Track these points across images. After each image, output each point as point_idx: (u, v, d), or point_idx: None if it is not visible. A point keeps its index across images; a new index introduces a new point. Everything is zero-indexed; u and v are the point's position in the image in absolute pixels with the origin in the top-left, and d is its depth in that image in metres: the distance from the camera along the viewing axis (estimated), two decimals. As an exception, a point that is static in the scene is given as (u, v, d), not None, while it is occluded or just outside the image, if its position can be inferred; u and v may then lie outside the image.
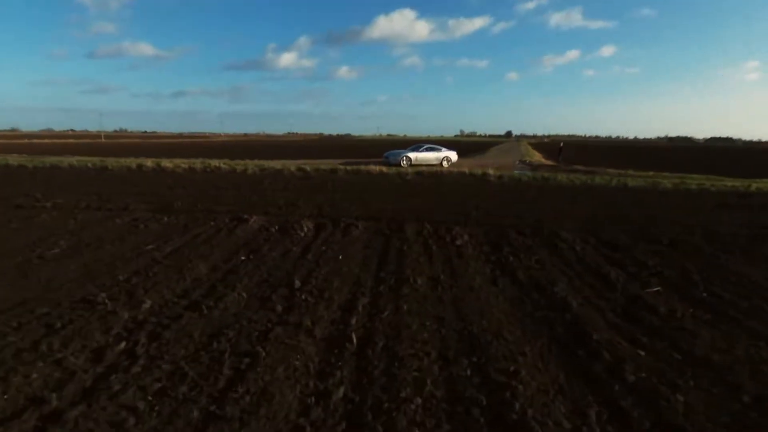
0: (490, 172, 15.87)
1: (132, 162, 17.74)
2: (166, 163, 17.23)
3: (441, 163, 20.39)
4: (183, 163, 17.58)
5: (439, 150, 20.85)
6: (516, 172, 18.29)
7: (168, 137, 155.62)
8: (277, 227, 8.41)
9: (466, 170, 16.19)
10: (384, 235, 8.07)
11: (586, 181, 14.84)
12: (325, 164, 19.59)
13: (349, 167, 17.12)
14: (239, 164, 17.48)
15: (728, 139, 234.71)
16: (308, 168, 16.76)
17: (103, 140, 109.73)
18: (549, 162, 24.98)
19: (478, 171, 16.43)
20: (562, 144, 25.40)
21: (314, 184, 13.94)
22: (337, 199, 11.31)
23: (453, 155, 21.02)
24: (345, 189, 12.93)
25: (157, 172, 16.38)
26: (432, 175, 16.24)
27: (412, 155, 20.04)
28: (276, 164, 18.29)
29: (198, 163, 17.75)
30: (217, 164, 17.12)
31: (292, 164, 18.93)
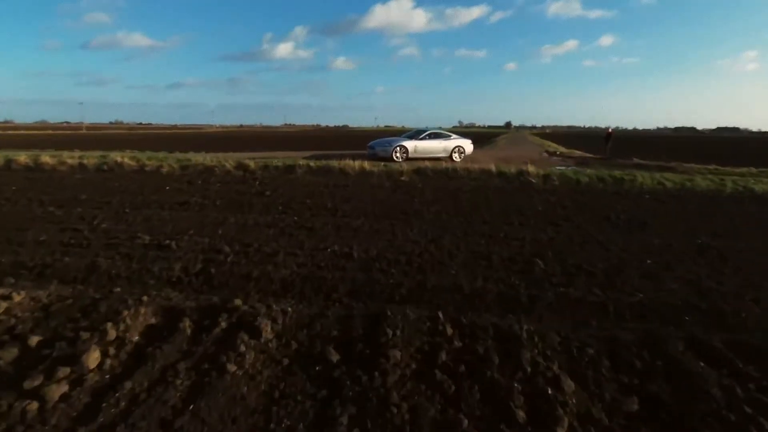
0: (530, 169, 10.42)
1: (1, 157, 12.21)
2: (47, 158, 11.72)
3: (451, 156, 14.58)
4: (72, 158, 12.08)
5: (447, 137, 14.84)
6: (559, 168, 12.85)
7: (158, 129, 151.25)
8: None
9: (492, 167, 10.76)
10: (320, 379, 2.66)
11: (684, 185, 9.45)
12: (289, 157, 14.12)
13: (315, 163, 11.64)
14: (153, 159, 11.97)
15: (735, 129, 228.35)
16: (252, 164, 11.27)
17: (84, 131, 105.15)
18: (587, 154, 19.38)
19: (510, 169, 10.98)
20: (610, 130, 19.50)
21: (243, 193, 8.50)
22: (254, 231, 5.88)
23: (467, 145, 15.01)
24: (286, 205, 7.50)
25: (30, 171, 10.91)
26: (440, 175, 10.80)
27: (410, 144, 14.16)
28: (223, 157, 12.77)
29: (95, 158, 12.22)
30: (120, 159, 11.62)
31: (242, 158, 13.44)
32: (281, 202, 7.59)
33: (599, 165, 13.93)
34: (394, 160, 13.44)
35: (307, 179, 10.07)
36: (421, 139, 14.39)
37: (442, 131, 15.49)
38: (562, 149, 22.71)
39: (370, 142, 15.02)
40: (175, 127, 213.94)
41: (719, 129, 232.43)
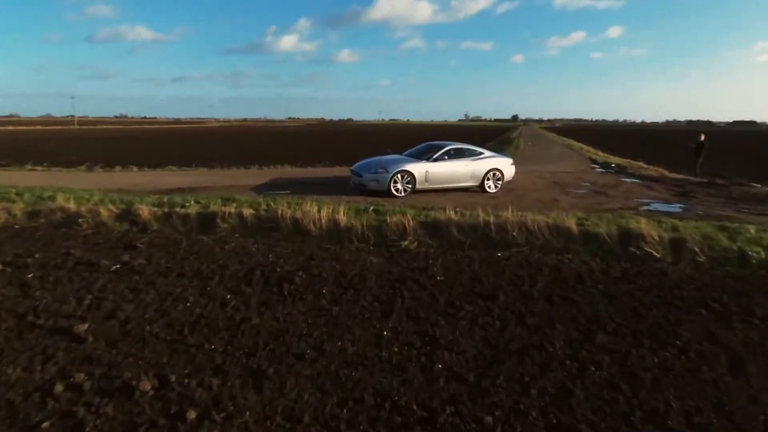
0: (642, 227, 5.52)
1: None
2: None
3: (482, 185, 9.37)
4: None
5: (476, 156, 9.43)
6: (654, 205, 7.95)
7: (159, 123, 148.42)
8: None
9: (569, 222, 5.85)
10: None
11: None
12: (232, 190, 9.33)
13: (254, 208, 6.79)
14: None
15: (752, 123, 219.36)
16: (146, 212, 6.47)
17: (76, 126, 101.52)
18: (665, 171, 13.98)
19: (600, 224, 6.08)
20: (702, 138, 13.79)
21: (32, 325, 3.73)
22: None
23: (506, 166, 9.75)
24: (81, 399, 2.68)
25: None
26: (475, 238, 5.94)
27: (418, 169, 8.78)
28: (113, 181, 8.03)
29: None
30: None
31: (162, 186, 8.70)
32: (87, 376, 2.85)
33: (711, 197, 9.00)
34: (394, 196, 8.52)
35: (223, 255, 5.27)
36: (436, 159, 9.07)
37: (468, 146, 10.03)
38: (615, 159, 17.66)
39: (355, 164, 9.71)
40: (178, 121, 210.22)
41: (735, 123, 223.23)
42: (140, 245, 5.60)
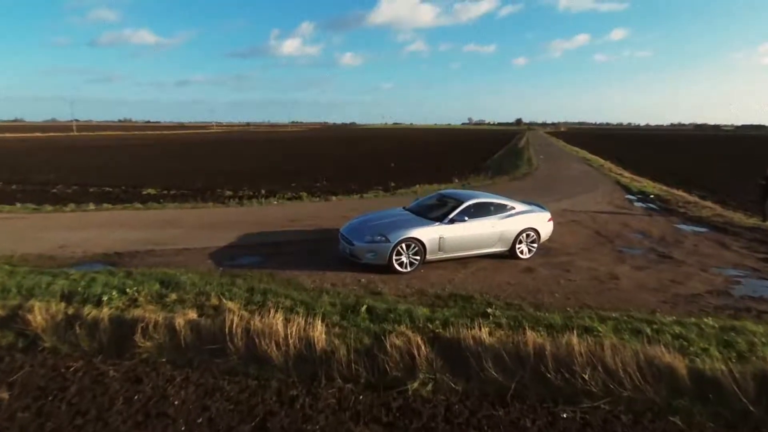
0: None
1: None
2: None
3: (512, 250, 7.04)
4: None
5: (501, 210, 7.10)
6: (764, 289, 5.83)
7: (162, 128, 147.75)
8: None
9: (673, 360, 3.77)
10: None
11: None
12: (198, 245, 7.26)
13: (200, 309, 4.79)
14: None
15: (760, 127, 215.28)
16: (40, 318, 4.51)
17: (74, 132, 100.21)
18: (712, 205, 11.70)
19: (710, 357, 4.02)
20: None
21: None
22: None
23: (543, 224, 7.33)
24: None
25: None
26: (527, 377, 3.88)
27: (429, 235, 6.39)
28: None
29: None
30: None
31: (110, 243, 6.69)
32: None
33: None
34: (397, 271, 6.39)
35: (123, 418, 3.27)
36: (453, 221, 6.66)
37: (494, 198, 7.48)
38: (647, 183, 15.51)
39: (345, 225, 7.20)
40: (181, 125, 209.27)
41: (744, 127, 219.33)
42: (3, 395, 3.60)
